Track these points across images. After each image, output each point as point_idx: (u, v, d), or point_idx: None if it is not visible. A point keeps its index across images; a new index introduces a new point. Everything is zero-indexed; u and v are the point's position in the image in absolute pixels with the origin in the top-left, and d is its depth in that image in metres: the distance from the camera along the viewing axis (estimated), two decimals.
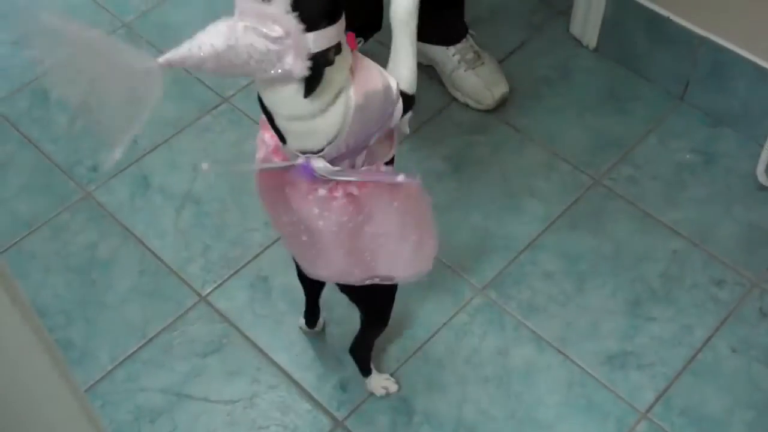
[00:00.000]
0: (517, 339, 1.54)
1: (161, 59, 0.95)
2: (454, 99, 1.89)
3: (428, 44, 1.88)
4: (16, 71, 1.94)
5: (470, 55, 1.87)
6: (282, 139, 1.09)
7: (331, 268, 1.20)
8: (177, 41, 2.04)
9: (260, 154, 1.16)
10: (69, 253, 1.66)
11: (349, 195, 1.10)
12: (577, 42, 1.97)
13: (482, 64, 1.87)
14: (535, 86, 1.91)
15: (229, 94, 1.90)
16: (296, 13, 0.95)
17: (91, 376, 1.51)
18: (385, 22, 1.86)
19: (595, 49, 1.95)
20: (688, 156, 1.77)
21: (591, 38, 1.95)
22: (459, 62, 1.86)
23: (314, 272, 1.24)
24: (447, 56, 1.87)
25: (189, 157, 1.80)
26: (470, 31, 1.90)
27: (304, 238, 1.17)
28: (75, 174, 1.77)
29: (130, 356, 1.53)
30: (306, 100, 1.01)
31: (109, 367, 1.52)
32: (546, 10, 2.04)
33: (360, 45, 1.84)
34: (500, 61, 1.92)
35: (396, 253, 1.21)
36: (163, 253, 1.66)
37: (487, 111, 1.86)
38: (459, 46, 1.87)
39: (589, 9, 1.91)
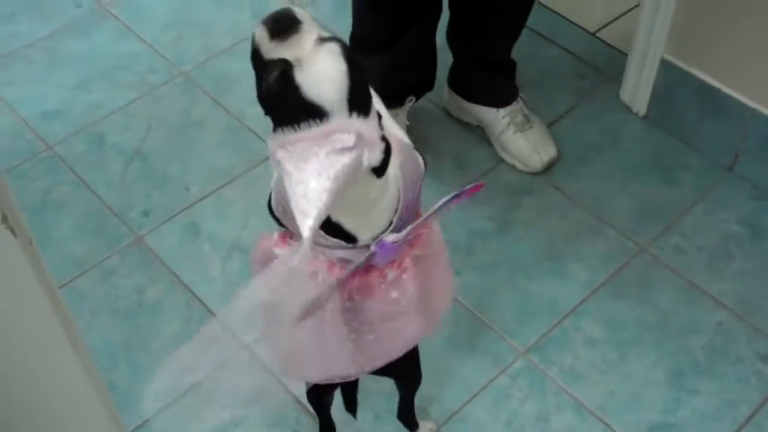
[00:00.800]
0: (558, 405, 1.53)
1: (306, 237, 0.92)
2: (502, 160, 1.91)
3: (478, 105, 1.91)
4: (75, 115, 2.00)
5: (519, 118, 1.89)
6: (350, 239, 1.07)
7: (400, 345, 1.18)
8: (232, 91, 2.12)
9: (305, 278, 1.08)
10: (117, 296, 1.70)
11: (414, 258, 1.10)
12: (627, 109, 1.99)
13: (531, 127, 1.89)
14: (584, 151, 1.92)
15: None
16: (354, 113, 0.94)
17: (133, 421, 1.52)
18: (438, 81, 1.90)
19: (645, 117, 1.96)
20: (735, 227, 1.77)
21: (641, 106, 1.96)
22: (508, 124, 1.89)
23: (372, 366, 1.19)
24: (497, 118, 1.90)
25: (238, 206, 1.83)
26: (521, 94, 1.93)
27: (370, 337, 1.14)
28: (127, 218, 1.81)
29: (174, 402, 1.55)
30: (379, 181, 1.01)
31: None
32: (596, 76, 2.06)
33: (411, 103, 1.88)
34: (549, 125, 1.94)
35: (445, 291, 1.20)
36: (209, 300, 1.68)
37: (535, 174, 1.87)
38: (509, 108, 1.89)
39: (640, 77, 1.93)
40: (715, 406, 1.53)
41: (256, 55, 0.97)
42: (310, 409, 1.52)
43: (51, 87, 2.06)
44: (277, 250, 1.12)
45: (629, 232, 1.77)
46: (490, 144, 1.92)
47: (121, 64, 2.11)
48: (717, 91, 1.80)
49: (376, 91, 1.90)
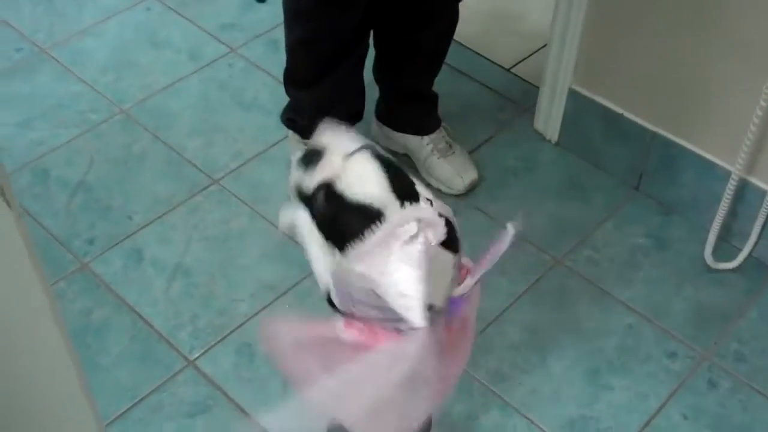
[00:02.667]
0: (485, 404, 1.65)
1: (422, 327, 0.97)
2: (428, 184, 2.04)
3: (404, 134, 2.04)
4: (19, 151, 2.07)
5: (442, 145, 2.03)
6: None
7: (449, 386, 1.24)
8: (171, 127, 2.17)
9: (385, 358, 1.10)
10: (65, 319, 1.76)
11: (467, 298, 1.15)
12: (541, 136, 2.15)
13: (453, 153, 2.03)
14: (503, 176, 2.07)
15: (219, 176, 2.03)
16: (405, 202, 0.99)
17: None
18: (366, 113, 2.03)
19: (557, 143, 2.13)
20: (641, 240, 1.93)
21: (553, 133, 2.12)
22: (432, 151, 2.02)
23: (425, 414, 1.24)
24: (422, 145, 2.03)
25: (180, 232, 1.92)
26: (443, 124, 2.07)
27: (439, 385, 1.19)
28: (72, 246, 1.88)
29: (121, 415, 1.62)
30: (455, 255, 1.07)
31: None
32: (512, 108, 2.23)
33: None
34: (470, 152, 2.08)
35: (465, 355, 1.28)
36: (154, 320, 1.76)
37: (458, 196, 2.01)
38: (432, 136, 2.04)
39: (551, 107, 2.09)
40: (628, 400, 1.66)
41: (302, 195, 1.03)
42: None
43: None
44: (349, 335, 1.11)
45: (546, 246, 1.91)
46: (416, 170, 2.05)
47: (62, 103, 2.19)
48: (621, 116, 1.97)
49: (309, 124, 2.03)
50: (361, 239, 0.97)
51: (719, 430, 1.62)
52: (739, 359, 1.73)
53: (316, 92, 1.89)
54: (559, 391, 1.67)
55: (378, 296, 1.02)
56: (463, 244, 1.82)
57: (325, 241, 1.03)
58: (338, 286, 1.11)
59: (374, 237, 0.97)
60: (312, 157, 1.02)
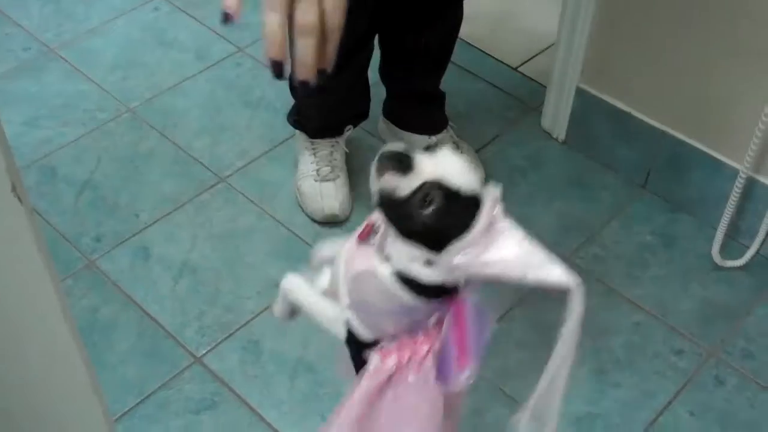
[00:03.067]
0: (491, 401, 1.65)
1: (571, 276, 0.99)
2: None
3: (412, 133, 2.04)
4: (27, 149, 2.08)
5: (450, 145, 2.03)
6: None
7: None
8: (178, 125, 2.17)
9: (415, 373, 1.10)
10: (72, 315, 1.76)
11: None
12: (548, 135, 2.15)
13: (460, 152, 2.03)
14: (509, 174, 2.07)
15: (226, 174, 2.04)
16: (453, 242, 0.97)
17: None
18: (371, 112, 2.03)
19: (564, 142, 2.13)
20: (649, 238, 1.92)
21: (560, 132, 2.12)
22: None
23: None
24: (429, 144, 2.04)
25: (186, 230, 1.93)
26: (450, 123, 2.07)
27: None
28: (79, 244, 1.89)
29: (127, 412, 1.62)
30: None
31: None
32: (519, 107, 2.23)
33: (349, 132, 2.01)
34: (477, 151, 2.09)
35: None
36: (161, 317, 1.77)
37: None
38: (439, 135, 2.04)
39: (559, 105, 2.10)
40: (635, 397, 1.66)
41: (390, 202, 0.98)
42: (263, 415, 1.62)
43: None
44: (390, 362, 1.10)
45: (553, 244, 1.87)
46: None
47: (70, 102, 2.20)
48: (628, 115, 1.97)
49: (316, 124, 2.03)
50: (469, 230, 0.96)
51: (726, 426, 1.62)
52: (747, 356, 1.72)
53: (322, 97, 1.90)
54: (566, 389, 1.66)
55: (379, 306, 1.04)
56: None
57: (410, 247, 1.00)
58: (368, 309, 1.08)
59: (480, 225, 0.97)
60: (402, 161, 0.98)
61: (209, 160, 2.06)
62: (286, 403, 1.64)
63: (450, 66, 2.07)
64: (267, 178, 2.04)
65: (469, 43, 2.38)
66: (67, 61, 2.31)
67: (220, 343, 1.73)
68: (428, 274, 1.02)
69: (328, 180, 1.94)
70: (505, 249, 0.97)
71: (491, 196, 1.00)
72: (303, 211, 1.95)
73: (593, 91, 2.02)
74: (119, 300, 1.80)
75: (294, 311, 1.21)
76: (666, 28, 1.81)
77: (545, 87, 2.14)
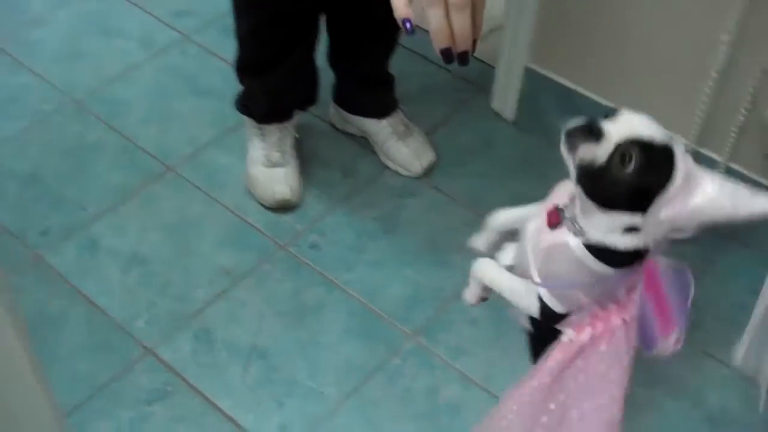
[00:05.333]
0: (445, 379, 1.65)
1: None
2: (387, 167, 2.04)
3: (362, 117, 2.04)
4: None
5: (400, 128, 2.03)
6: None
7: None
8: (125, 115, 2.12)
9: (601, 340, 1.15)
10: (20, 310, 1.73)
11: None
12: (498, 116, 2.15)
13: (411, 135, 2.03)
14: (461, 155, 2.07)
15: (174, 163, 2.01)
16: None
17: None
18: (320, 97, 2.02)
19: (514, 122, 2.13)
20: None
21: (510, 112, 2.13)
22: (390, 134, 2.02)
23: None
24: (379, 128, 2.03)
25: (135, 222, 1.90)
26: (400, 106, 2.07)
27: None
28: (26, 238, 1.86)
29: (79, 405, 1.60)
30: None
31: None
32: (469, 88, 2.23)
33: (298, 116, 1.99)
34: (428, 134, 2.08)
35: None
36: (110, 310, 1.74)
37: (417, 177, 2.01)
38: (390, 119, 2.03)
39: (507, 86, 2.10)
40: None
41: (590, 173, 1.01)
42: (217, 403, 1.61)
43: None
44: (584, 335, 1.15)
45: None
46: (374, 153, 2.05)
47: (13, 95, 2.16)
48: (575, 93, 1.98)
49: (264, 109, 2.02)
50: (671, 181, 0.98)
51: (675, 394, 1.64)
52: (694, 324, 1.74)
53: (269, 79, 1.88)
54: (516, 364, 1.65)
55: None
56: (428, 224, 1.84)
57: (611, 216, 1.03)
58: (560, 282, 1.11)
59: (680, 173, 0.99)
60: (591, 131, 1.02)
61: (157, 149, 2.04)
62: (239, 390, 1.63)
63: (399, 49, 2.07)
64: (216, 165, 2.02)
65: (418, 26, 2.36)
66: (8, 53, 2.26)
67: (171, 333, 1.71)
68: (627, 242, 1.04)
69: (278, 165, 1.92)
70: (708, 191, 0.99)
71: (680, 145, 1.01)
72: (254, 197, 1.94)
73: (541, 71, 2.02)
74: (68, 294, 1.77)
75: (484, 294, 1.28)
76: (609, 6, 1.82)
77: (494, 68, 2.14)
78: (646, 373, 1.66)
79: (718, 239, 1.89)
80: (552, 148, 2.04)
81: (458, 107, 2.18)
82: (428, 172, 2.02)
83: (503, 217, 1.29)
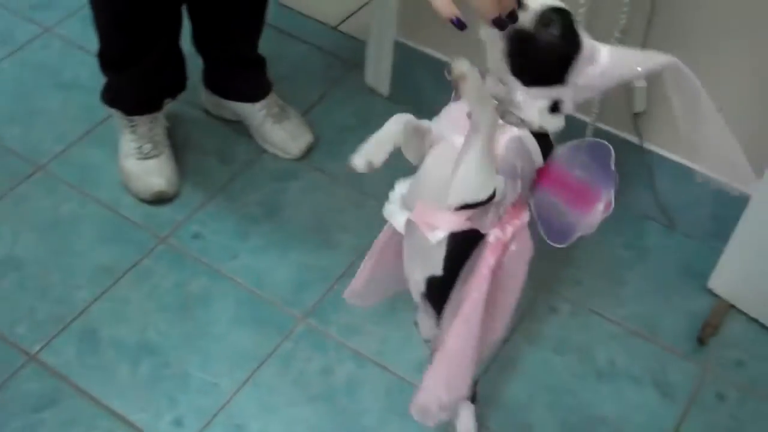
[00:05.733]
0: (339, 358, 1.66)
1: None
2: (265, 150, 2.02)
3: (235, 102, 2.01)
4: None
5: (275, 110, 2.02)
6: None
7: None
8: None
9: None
10: None
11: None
12: (372, 91, 2.16)
13: (287, 117, 2.02)
14: (339, 133, 2.07)
15: (43, 162, 1.95)
16: None
17: None
18: (190, 84, 1.98)
19: (389, 97, 2.15)
20: None
21: (384, 87, 2.14)
22: (265, 117, 2.00)
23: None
24: (254, 112, 2.01)
25: (7, 225, 1.83)
26: (274, 88, 2.05)
27: None
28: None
29: None
30: None
31: None
32: (342, 65, 2.23)
33: (168, 105, 1.95)
34: (304, 114, 2.08)
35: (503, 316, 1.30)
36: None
37: (296, 159, 2.00)
38: (264, 102, 2.01)
39: (380, 61, 2.11)
40: None
41: (521, 41, 1.06)
42: (108, 404, 1.57)
43: None
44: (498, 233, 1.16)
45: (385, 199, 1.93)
46: (251, 137, 2.03)
47: None
48: (446, 64, 2.00)
49: (132, 101, 1.97)
50: (581, 45, 1.07)
51: (563, 351, 1.70)
52: (576, 284, 1.81)
53: (135, 71, 1.84)
54: (409, 338, 1.69)
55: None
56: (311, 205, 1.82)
57: (538, 92, 1.09)
58: (511, 166, 1.11)
59: (586, 38, 1.08)
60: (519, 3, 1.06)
61: (24, 148, 1.96)
62: (130, 389, 1.60)
63: (269, 30, 2.05)
64: (88, 161, 1.96)
65: (287, 6, 2.36)
66: None
67: (54, 337, 1.66)
68: (554, 123, 1.11)
69: (151, 157, 1.88)
70: (608, 57, 1.08)
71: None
72: (129, 191, 1.90)
73: (411, 44, 2.04)
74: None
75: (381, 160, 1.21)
76: None
77: (366, 44, 2.15)
78: (531, 333, 1.72)
79: None
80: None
81: (333, 85, 2.18)
82: (307, 153, 2.01)
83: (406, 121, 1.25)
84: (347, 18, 2.36)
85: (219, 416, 1.57)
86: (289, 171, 1.99)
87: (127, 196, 1.89)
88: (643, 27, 1.68)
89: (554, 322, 1.74)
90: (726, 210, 1.77)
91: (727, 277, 1.77)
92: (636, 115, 1.80)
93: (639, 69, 1.09)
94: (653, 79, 1.71)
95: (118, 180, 1.91)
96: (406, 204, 1.23)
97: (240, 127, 2.05)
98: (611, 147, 1.18)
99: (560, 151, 1.17)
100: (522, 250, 1.19)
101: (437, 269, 1.21)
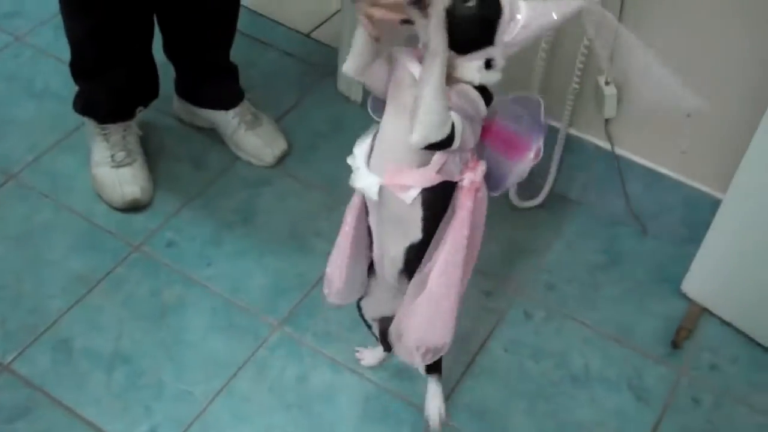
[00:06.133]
0: (315, 365, 1.66)
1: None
2: (238, 158, 2.02)
3: (209, 110, 2.01)
4: None
5: (249, 117, 2.01)
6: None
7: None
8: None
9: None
10: None
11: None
12: (345, 98, 2.17)
13: (261, 124, 2.02)
14: (312, 140, 2.07)
15: (15, 171, 1.93)
16: None
17: None
18: (162, 92, 1.98)
19: (362, 103, 2.15)
20: None
21: (357, 94, 2.15)
22: (239, 124, 2.00)
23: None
24: (227, 119, 2.01)
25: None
26: (247, 95, 2.05)
27: None
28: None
29: None
30: None
31: None
32: (315, 72, 2.23)
33: (141, 113, 1.95)
34: (278, 121, 2.08)
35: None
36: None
37: (270, 167, 2.00)
38: (237, 109, 2.01)
39: None
40: (454, 341, 1.71)
41: (452, 16, 1.11)
42: (82, 413, 1.56)
43: None
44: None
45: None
46: (224, 144, 2.03)
47: None
48: None
49: (104, 109, 1.96)
50: (502, 10, 1.15)
51: (538, 357, 1.71)
52: (550, 289, 1.82)
53: (107, 79, 1.83)
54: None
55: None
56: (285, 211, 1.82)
57: (472, 56, 1.17)
58: (462, 109, 1.18)
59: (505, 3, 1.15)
60: None
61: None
62: (104, 398, 1.59)
63: (242, 38, 2.05)
64: (60, 170, 1.95)
65: (259, 13, 2.36)
66: None
67: (27, 347, 1.65)
68: (492, 77, 1.19)
69: (124, 165, 1.87)
70: (526, 11, 1.16)
71: None
72: (102, 199, 1.88)
73: None
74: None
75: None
76: None
77: (338, 50, 2.15)
78: (507, 339, 1.73)
79: (566, 206, 1.97)
80: None
81: (305, 92, 2.19)
82: (281, 160, 2.01)
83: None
84: (319, 25, 2.36)
85: (194, 425, 1.56)
86: (263, 178, 1.99)
87: (99, 204, 1.88)
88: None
89: (529, 328, 1.75)
90: (697, 214, 1.79)
91: (700, 281, 1.79)
92: (607, 121, 1.82)
93: (555, 16, 1.17)
94: (623, 86, 1.73)
95: (90, 188, 1.90)
96: (372, 170, 1.29)
97: (213, 135, 2.04)
98: (541, 100, 1.27)
99: (496, 103, 1.25)
100: (485, 194, 1.30)
101: (416, 234, 1.28)
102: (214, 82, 2.00)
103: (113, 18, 1.72)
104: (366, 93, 2.14)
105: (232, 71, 2.02)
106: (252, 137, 2.00)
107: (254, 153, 2.00)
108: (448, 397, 1.62)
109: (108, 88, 1.85)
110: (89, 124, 1.92)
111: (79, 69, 1.85)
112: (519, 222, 1.93)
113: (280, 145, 2.01)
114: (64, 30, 1.79)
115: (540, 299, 1.80)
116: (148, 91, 1.94)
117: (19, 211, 1.87)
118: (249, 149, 2.00)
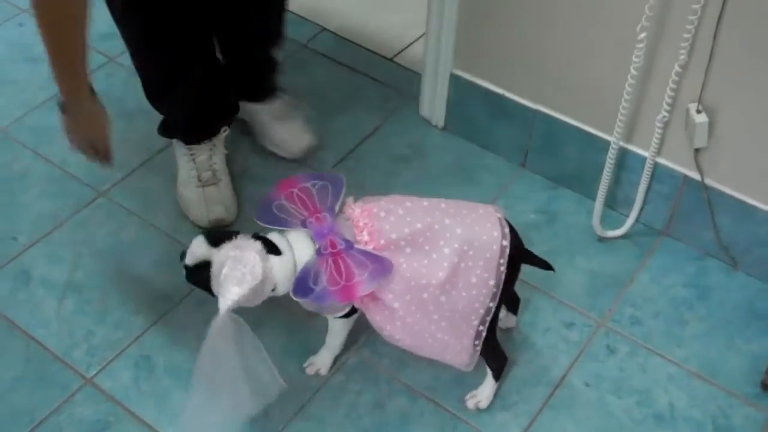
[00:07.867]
0: (390, 392, 1.65)
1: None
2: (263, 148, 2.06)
3: (244, 102, 2.04)
4: None
5: (278, 112, 2.04)
6: None
7: None
8: (52, 142, 2.06)
9: None
10: None
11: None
12: (427, 122, 2.17)
13: (291, 119, 2.05)
14: (393, 164, 2.08)
15: (105, 188, 1.98)
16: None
17: None
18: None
19: (444, 128, 2.15)
20: (532, 216, 1.96)
21: (439, 118, 2.14)
22: (268, 116, 2.04)
23: None
24: (256, 111, 2.04)
25: (68, 249, 1.87)
26: (328, 118, 2.06)
27: None
28: None
29: None
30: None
31: None
32: (397, 96, 2.24)
33: (226, 133, 1.98)
34: (359, 144, 2.09)
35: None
36: (47, 341, 1.71)
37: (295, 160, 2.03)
38: (273, 104, 2.04)
39: (435, 93, 2.11)
40: (532, 373, 1.69)
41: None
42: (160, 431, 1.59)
43: None
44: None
45: None
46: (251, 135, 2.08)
47: None
48: (502, 97, 2.00)
49: (183, 127, 2.01)
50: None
51: (621, 393, 1.67)
52: (635, 323, 1.78)
53: (178, 95, 1.87)
54: (462, 373, 1.68)
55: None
56: None
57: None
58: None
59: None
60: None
61: (86, 175, 2.00)
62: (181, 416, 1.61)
63: (325, 60, 2.08)
64: (148, 188, 1.99)
65: (343, 37, 2.38)
66: None
67: (111, 361, 1.69)
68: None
69: (210, 184, 1.91)
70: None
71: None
72: (188, 218, 1.92)
73: (467, 76, 2.04)
74: (3, 327, 1.73)
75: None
76: (531, 10, 1.84)
77: (421, 75, 2.16)
78: (588, 373, 1.69)
79: (652, 237, 1.93)
80: (482, 153, 2.09)
81: (387, 117, 2.19)
82: (306, 153, 2.04)
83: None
84: (403, 50, 2.37)
85: None
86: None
87: (185, 223, 1.92)
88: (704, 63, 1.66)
89: (612, 363, 1.71)
90: None
91: None
92: (697, 151, 1.77)
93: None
94: (714, 114, 1.69)
95: (176, 207, 1.94)
96: None
97: (245, 128, 2.08)
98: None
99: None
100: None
101: None
102: (250, 75, 2.03)
103: (165, 21, 1.74)
104: (448, 118, 2.15)
105: (272, 66, 2.03)
106: (280, 128, 2.03)
107: (280, 143, 2.03)
108: (525, 430, 1.60)
109: (180, 104, 1.89)
110: (176, 145, 1.96)
111: (149, 88, 1.88)
112: (602, 252, 1.90)
113: (306, 139, 2.03)
114: (126, 47, 1.84)
115: (624, 333, 1.76)
116: (225, 106, 1.97)
117: (108, 227, 1.92)
118: (276, 140, 2.03)
